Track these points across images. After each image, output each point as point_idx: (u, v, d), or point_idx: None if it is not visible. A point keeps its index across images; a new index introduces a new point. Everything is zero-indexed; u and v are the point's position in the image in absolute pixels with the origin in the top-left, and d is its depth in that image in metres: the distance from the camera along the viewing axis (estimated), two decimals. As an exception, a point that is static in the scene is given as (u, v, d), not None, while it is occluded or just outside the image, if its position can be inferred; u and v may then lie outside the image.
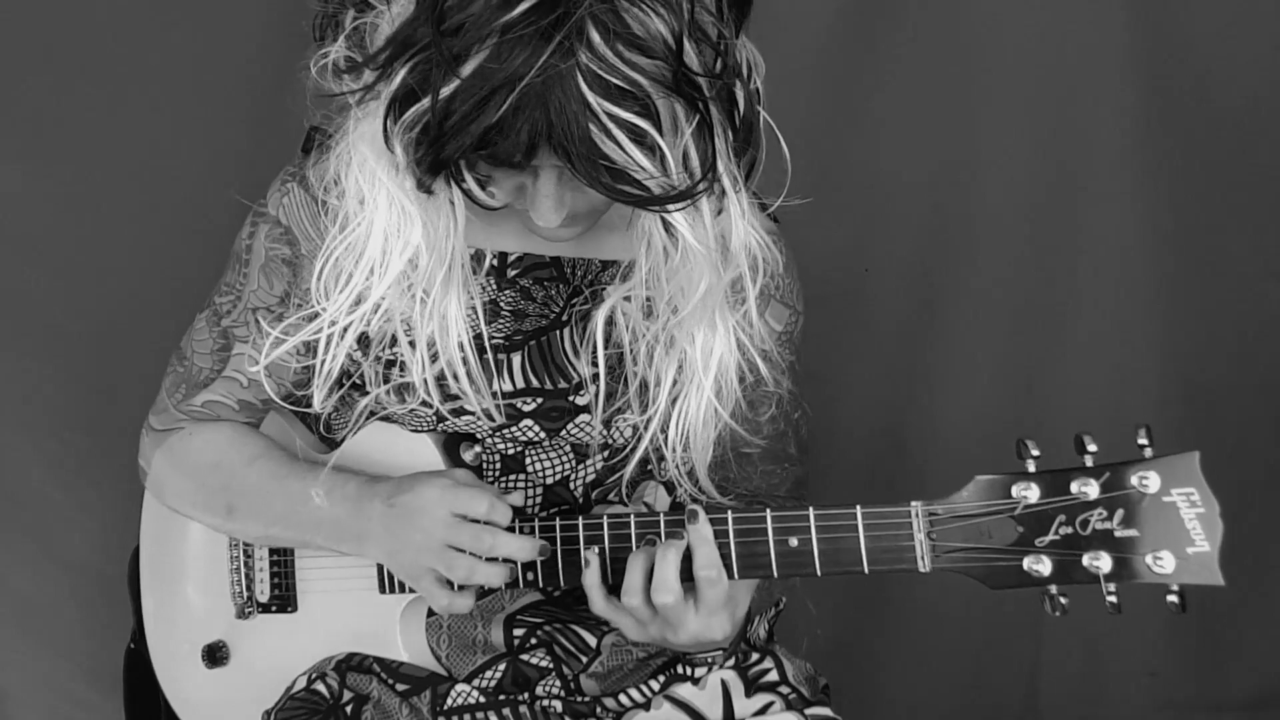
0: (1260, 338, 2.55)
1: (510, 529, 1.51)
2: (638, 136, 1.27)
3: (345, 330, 1.49)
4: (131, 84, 2.45)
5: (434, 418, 1.60)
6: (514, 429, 1.61)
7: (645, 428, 1.56)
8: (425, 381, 1.53)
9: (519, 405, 1.60)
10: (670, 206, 1.33)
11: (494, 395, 1.57)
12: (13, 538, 2.62)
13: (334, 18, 1.39)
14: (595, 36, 1.24)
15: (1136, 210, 2.50)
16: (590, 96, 1.25)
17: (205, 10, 2.42)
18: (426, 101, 1.27)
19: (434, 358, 1.52)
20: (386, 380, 1.58)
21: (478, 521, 1.49)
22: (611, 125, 1.26)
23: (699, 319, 1.48)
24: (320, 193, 1.52)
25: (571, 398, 1.61)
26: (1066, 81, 2.46)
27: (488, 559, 1.49)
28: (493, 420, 1.58)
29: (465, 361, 1.52)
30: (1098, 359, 2.56)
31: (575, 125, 1.25)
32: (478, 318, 1.54)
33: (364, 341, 1.55)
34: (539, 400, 1.60)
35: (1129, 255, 2.52)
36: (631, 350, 1.55)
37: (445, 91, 1.26)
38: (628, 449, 1.61)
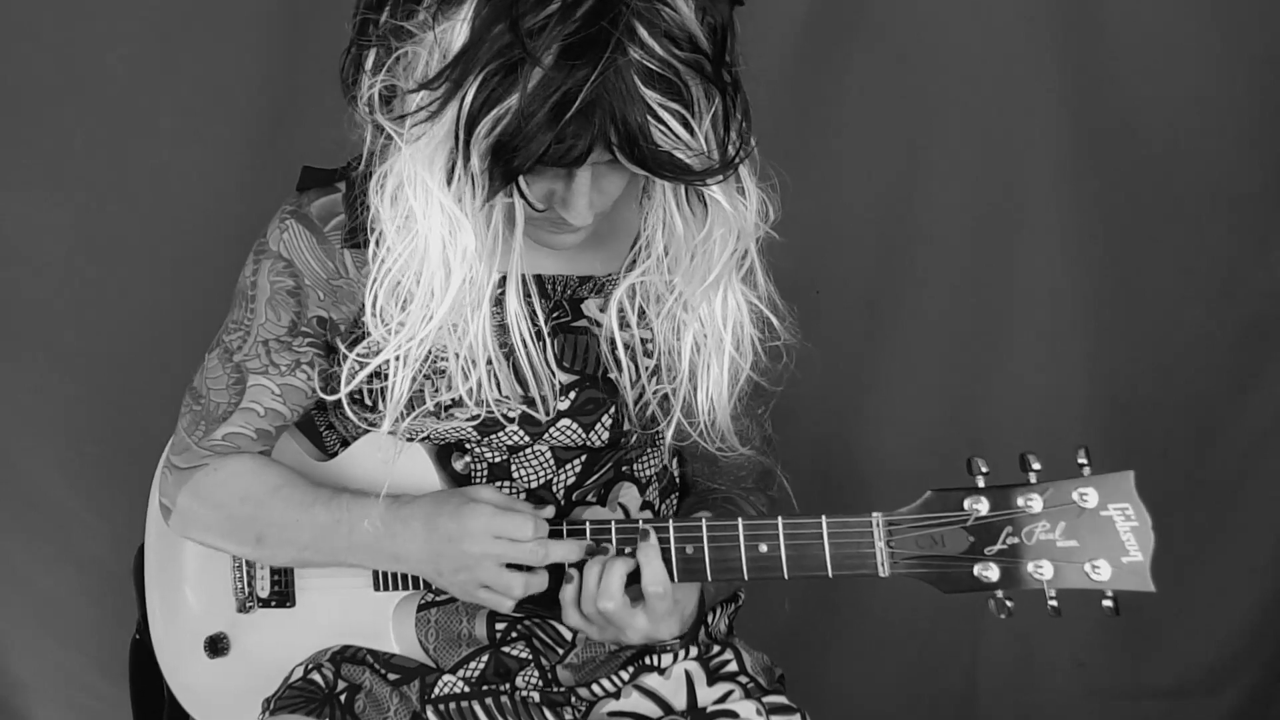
0: (1180, 358, 2.57)
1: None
2: (682, 120, 1.29)
3: (416, 347, 1.46)
4: (145, 117, 2.44)
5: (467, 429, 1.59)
6: (499, 435, 1.60)
7: (674, 396, 1.57)
8: (474, 389, 1.50)
9: (505, 412, 1.58)
10: (710, 180, 1.36)
11: (551, 388, 1.57)
12: (33, 541, 2.61)
13: (357, 57, 1.38)
14: (643, 32, 1.27)
15: (1067, 240, 2.51)
16: (643, 88, 1.27)
17: (214, 50, 2.40)
18: (508, 102, 1.26)
19: (488, 361, 1.50)
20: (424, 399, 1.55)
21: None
22: (661, 111, 1.28)
23: (717, 285, 1.50)
24: (376, 215, 1.44)
25: (553, 403, 1.60)
26: (1003, 122, 2.47)
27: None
28: (546, 414, 1.57)
29: (528, 352, 1.51)
30: (1031, 377, 2.57)
31: (633, 114, 1.27)
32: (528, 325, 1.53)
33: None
34: (523, 406, 1.59)
35: (1060, 282, 2.53)
36: (644, 331, 1.56)
37: (519, 100, 1.26)
38: (661, 424, 1.61)
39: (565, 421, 1.60)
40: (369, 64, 1.37)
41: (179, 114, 2.43)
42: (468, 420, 1.56)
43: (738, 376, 1.56)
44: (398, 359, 1.47)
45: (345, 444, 1.69)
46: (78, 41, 2.40)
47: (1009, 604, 1.41)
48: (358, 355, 1.49)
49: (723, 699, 1.56)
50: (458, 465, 1.62)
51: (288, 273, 1.60)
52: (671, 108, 1.28)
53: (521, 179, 1.33)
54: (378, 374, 1.51)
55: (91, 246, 2.48)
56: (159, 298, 2.49)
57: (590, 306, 1.59)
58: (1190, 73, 2.45)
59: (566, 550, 1.51)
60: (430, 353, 1.49)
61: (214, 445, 1.65)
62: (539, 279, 1.60)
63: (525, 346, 1.51)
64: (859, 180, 2.53)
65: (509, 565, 1.50)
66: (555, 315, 1.61)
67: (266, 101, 2.36)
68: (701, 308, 1.52)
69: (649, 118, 1.28)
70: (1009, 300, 2.55)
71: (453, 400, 1.54)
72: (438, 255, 1.40)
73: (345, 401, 1.53)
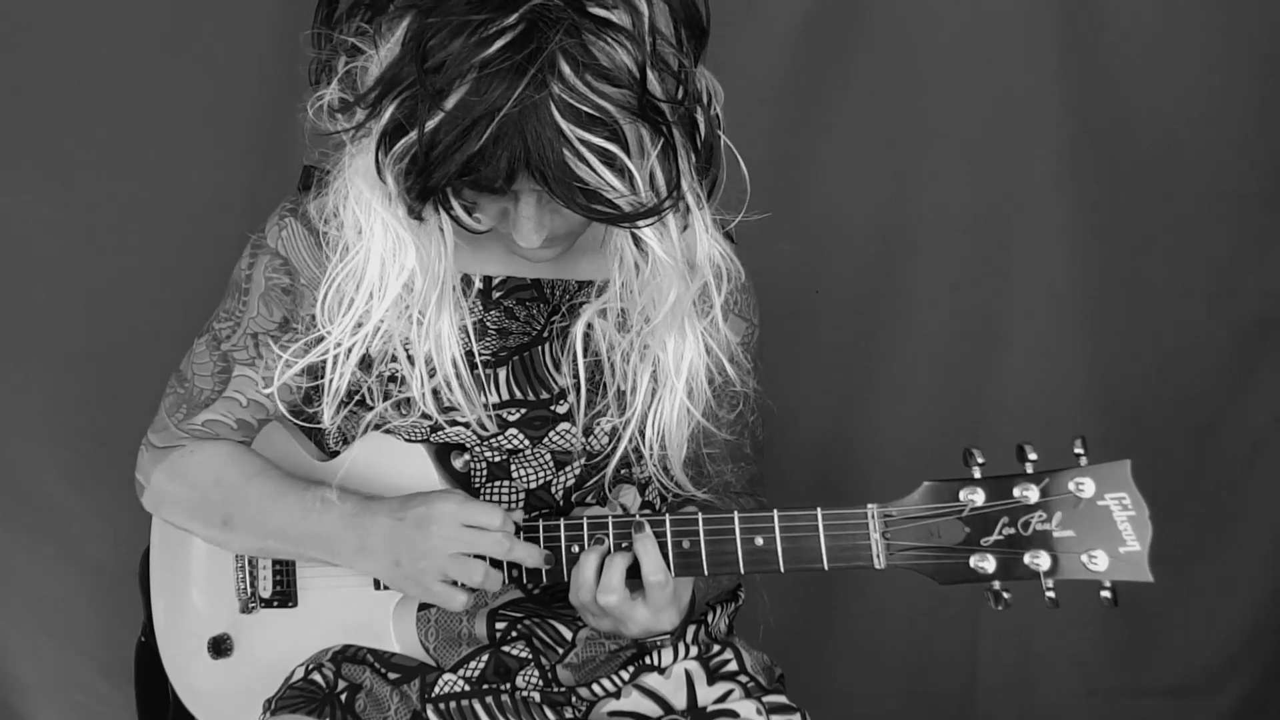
0: (1178, 353, 2.56)
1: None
2: (608, 159, 1.29)
3: (350, 351, 1.51)
4: (142, 119, 2.44)
5: (428, 429, 1.60)
6: (500, 438, 1.61)
7: (624, 428, 1.57)
8: (424, 395, 1.54)
9: (505, 415, 1.60)
10: (640, 223, 1.35)
11: (485, 406, 1.58)
12: (33, 542, 2.60)
13: (327, 63, 1.40)
14: (566, 69, 1.27)
15: (1065, 237, 2.50)
16: (563, 124, 1.27)
17: (211, 53, 2.41)
18: (414, 134, 1.29)
19: (431, 373, 1.53)
20: (388, 396, 1.58)
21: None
22: (583, 149, 1.28)
23: (670, 327, 1.50)
24: (320, 224, 1.52)
25: (553, 407, 1.61)
26: (1001, 121, 2.46)
27: (492, 564, 1.52)
28: (485, 429, 1.58)
29: (459, 374, 1.53)
30: (1030, 374, 2.56)
31: (550, 151, 1.27)
32: (468, 336, 1.56)
33: (366, 362, 1.55)
34: (523, 410, 1.60)
35: (1058, 278, 2.52)
36: (609, 358, 1.56)
37: (430, 124, 1.28)
38: (607, 450, 1.62)
39: (564, 425, 1.62)
40: (329, 75, 1.40)
41: (178, 114, 2.43)
42: (421, 417, 1.58)
43: (688, 421, 1.57)
44: (335, 358, 1.52)
45: (346, 443, 1.69)
46: (77, 42, 2.40)
47: (1006, 596, 1.41)
48: (290, 356, 1.56)
49: (723, 698, 1.56)
50: (457, 464, 1.63)
51: (283, 270, 1.61)
52: (595, 144, 1.28)
53: (454, 200, 1.36)
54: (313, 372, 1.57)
55: (90, 246, 2.48)
56: (159, 297, 2.48)
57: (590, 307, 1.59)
58: (1190, 73, 2.44)
59: (528, 553, 1.53)
60: (387, 350, 1.54)
61: (193, 430, 1.67)
62: (538, 283, 1.62)
63: (455, 366, 1.53)
64: (858, 181, 2.53)
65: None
66: (553, 320, 1.62)
67: (267, 101, 2.37)
68: (664, 346, 1.53)
69: (569, 152, 1.28)
70: (1008, 300, 2.54)
71: (405, 399, 1.57)
72: (376, 267, 1.45)
73: (275, 396, 1.62)
